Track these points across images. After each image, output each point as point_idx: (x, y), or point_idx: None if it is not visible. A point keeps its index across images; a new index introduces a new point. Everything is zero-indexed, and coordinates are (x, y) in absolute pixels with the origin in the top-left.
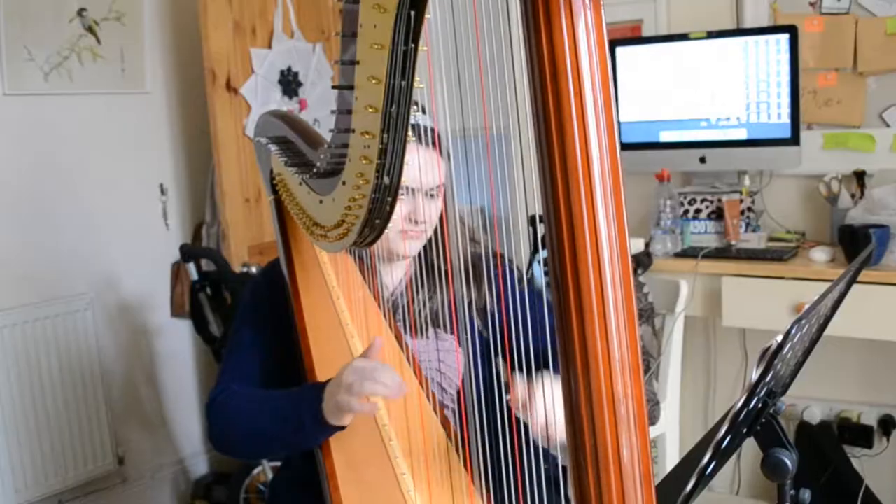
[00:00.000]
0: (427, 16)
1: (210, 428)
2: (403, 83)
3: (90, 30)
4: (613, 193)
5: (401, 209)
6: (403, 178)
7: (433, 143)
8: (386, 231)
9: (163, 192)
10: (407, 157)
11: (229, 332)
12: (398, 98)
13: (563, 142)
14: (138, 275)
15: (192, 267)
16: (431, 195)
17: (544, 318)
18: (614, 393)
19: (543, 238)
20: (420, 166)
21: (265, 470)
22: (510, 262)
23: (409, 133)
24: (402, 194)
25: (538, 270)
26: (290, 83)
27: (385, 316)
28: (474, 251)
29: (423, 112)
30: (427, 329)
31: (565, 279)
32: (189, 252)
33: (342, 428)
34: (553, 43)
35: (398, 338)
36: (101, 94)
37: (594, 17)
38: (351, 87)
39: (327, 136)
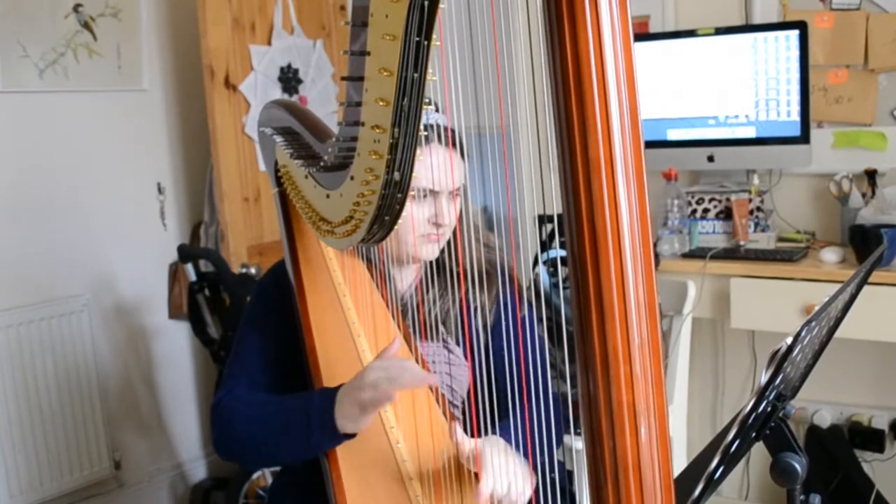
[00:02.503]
0: (441, 6)
1: (213, 432)
2: (416, 75)
3: (86, 26)
4: (638, 198)
5: (415, 210)
6: (426, 181)
7: (453, 143)
8: (405, 234)
9: (160, 191)
10: (428, 158)
11: (231, 335)
12: (410, 91)
13: (586, 146)
14: (135, 276)
15: (190, 268)
16: (451, 197)
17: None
18: (636, 403)
19: (546, 240)
20: (441, 167)
21: (264, 475)
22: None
23: (428, 133)
24: (424, 196)
25: (543, 272)
26: (290, 80)
27: (394, 315)
28: (489, 256)
29: (437, 110)
30: (437, 334)
31: (586, 284)
32: (187, 252)
33: (352, 436)
34: (577, 41)
35: (407, 338)
36: (97, 91)
37: (620, 13)
38: (361, 79)
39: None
